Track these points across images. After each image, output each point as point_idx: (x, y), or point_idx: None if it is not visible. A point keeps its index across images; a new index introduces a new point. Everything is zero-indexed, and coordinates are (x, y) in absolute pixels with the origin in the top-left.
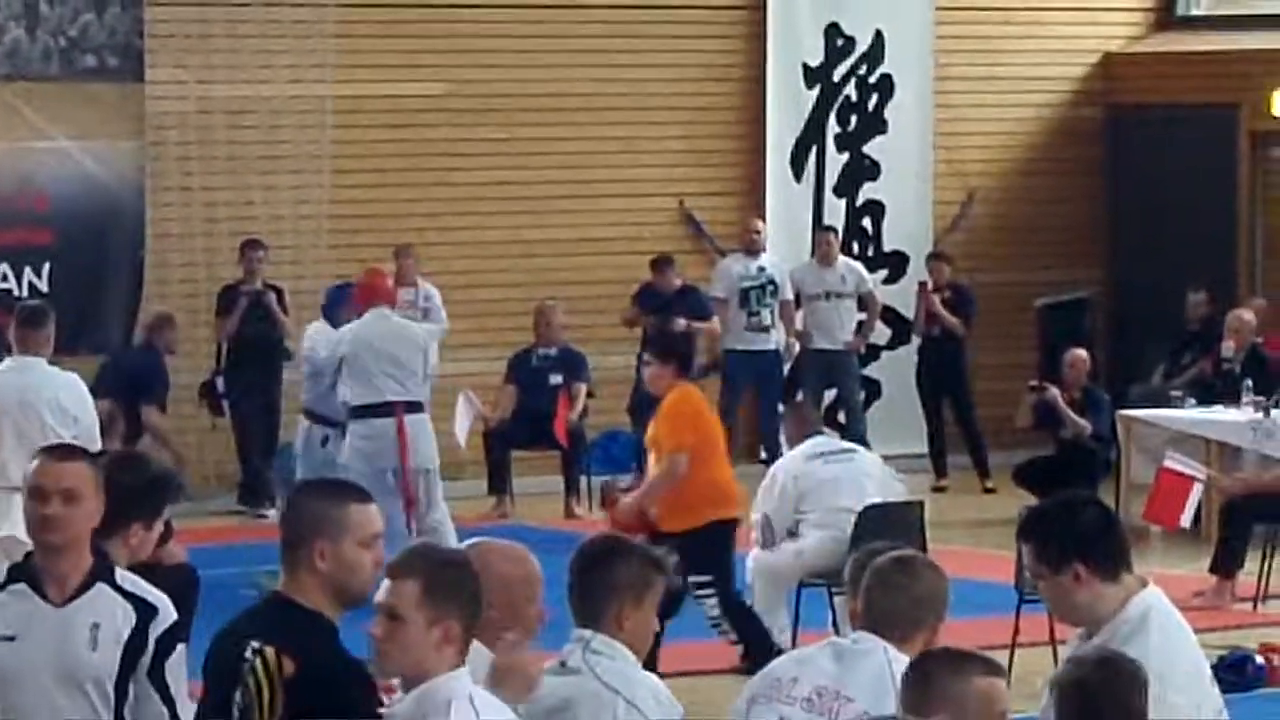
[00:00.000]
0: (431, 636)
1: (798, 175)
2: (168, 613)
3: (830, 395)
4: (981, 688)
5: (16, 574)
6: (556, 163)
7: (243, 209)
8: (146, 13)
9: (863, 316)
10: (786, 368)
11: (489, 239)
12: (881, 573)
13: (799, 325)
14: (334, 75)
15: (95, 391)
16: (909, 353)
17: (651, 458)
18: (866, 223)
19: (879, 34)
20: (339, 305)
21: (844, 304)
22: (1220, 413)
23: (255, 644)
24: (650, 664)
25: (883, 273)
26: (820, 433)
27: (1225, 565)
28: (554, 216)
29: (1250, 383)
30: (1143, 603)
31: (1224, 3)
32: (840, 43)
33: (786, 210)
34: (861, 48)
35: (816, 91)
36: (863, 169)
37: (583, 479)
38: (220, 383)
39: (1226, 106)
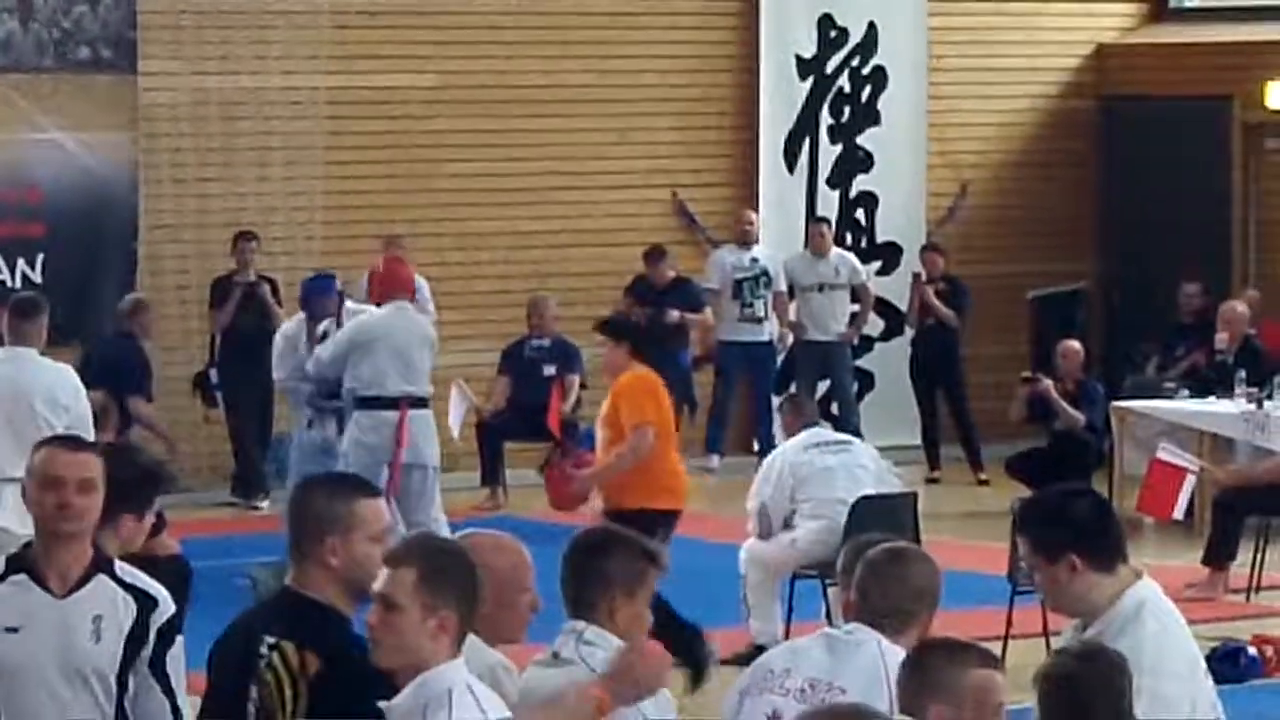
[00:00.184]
0: (427, 626)
1: (791, 167)
2: (167, 604)
3: (824, 387)
4: (978, 679)
5: (15, 565)
6: (550, 154)
7: (236, 200)
8: (140, 4)
9: (856, 308)
10: (780, 359)
11: (482, 230)
12: (875, 564)
13: (792, 317)
14: (327, 67)
15: (85, 384)
16: (902, 344)
17: (600, 436)
18: (860, 214)
19: (872, 26)
20: (318, 296)
21: (837, 295)
22: (1214, 404)
23: (270, 639)
24: None
25: (876, 264)
26: (817, 424)
27: (1218, 557)
28: (547, 208)
29: (1243, 374)
30: (1138, 595)
31: None
32: (833, 34)
33: (780, 202)
34: (854, 39)
35: (810, 83)
36: (856, 160)
37: None
38: (214, 374)
39: (1220, 98)
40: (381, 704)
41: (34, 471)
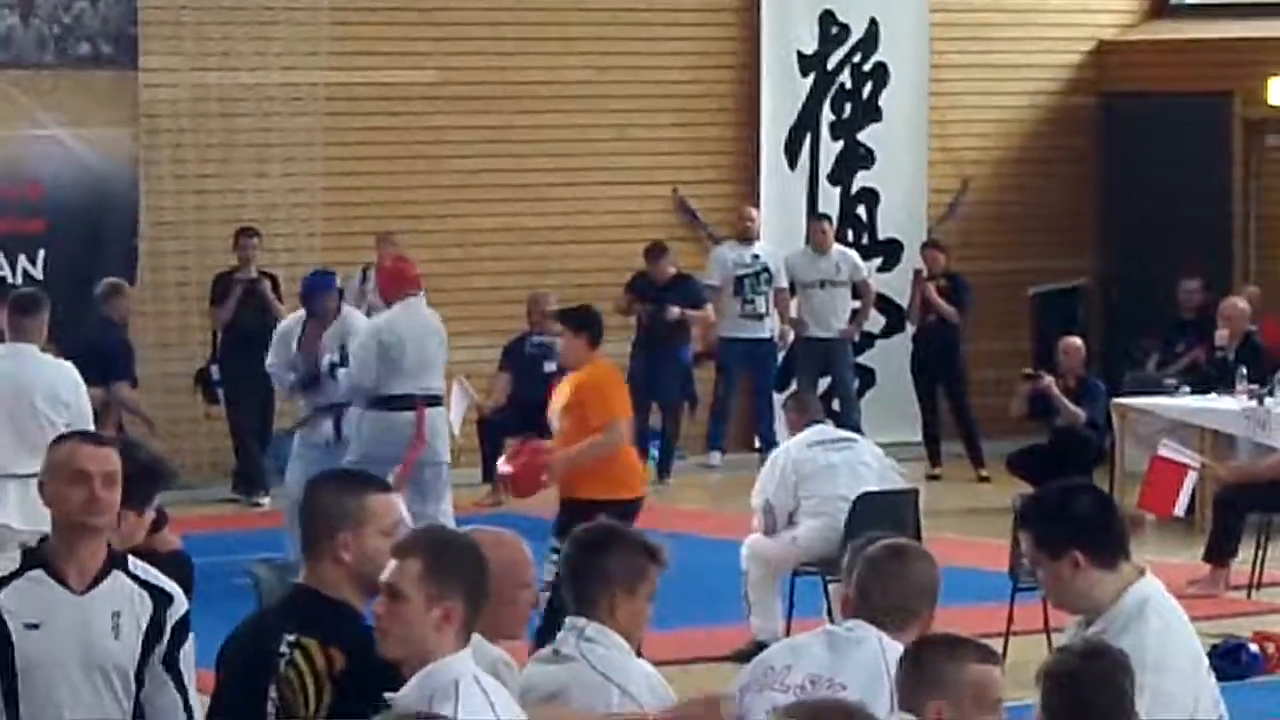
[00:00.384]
0: (432, 616)
1: (792, 163)
2: (181, 600)
3: (824, 383)
4: (977, 674)
5: (32, 560)
6: (550, 150)
7: (236, 197)
8: (140, 0)
9: (857, 305)
10: (781, 356)
11: (482, 226)
12: (875, 562)
13: (793, 313)
14: (327, 63)
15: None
16: (903, 341)
17: (559, 424)
18: (861, 210)
19: (873, 22)
20: (318, 293)
21: (838, 292)
22: (1214, 401)
23: (290, 637)
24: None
25: (877, 260)
26: (821, 421)
27: (1219, 553)
28: (548, 204)
29: (1244, 371)
30: (1140, 592)
31: None
32: (835, 30)
33: (781, 198)
34: (856, 35)
35: (811, 79)
36: (857, 157)
37: None
38: (214, 371)
39: (1220, 94)
40: (388, 695)
41: (57, 467)
